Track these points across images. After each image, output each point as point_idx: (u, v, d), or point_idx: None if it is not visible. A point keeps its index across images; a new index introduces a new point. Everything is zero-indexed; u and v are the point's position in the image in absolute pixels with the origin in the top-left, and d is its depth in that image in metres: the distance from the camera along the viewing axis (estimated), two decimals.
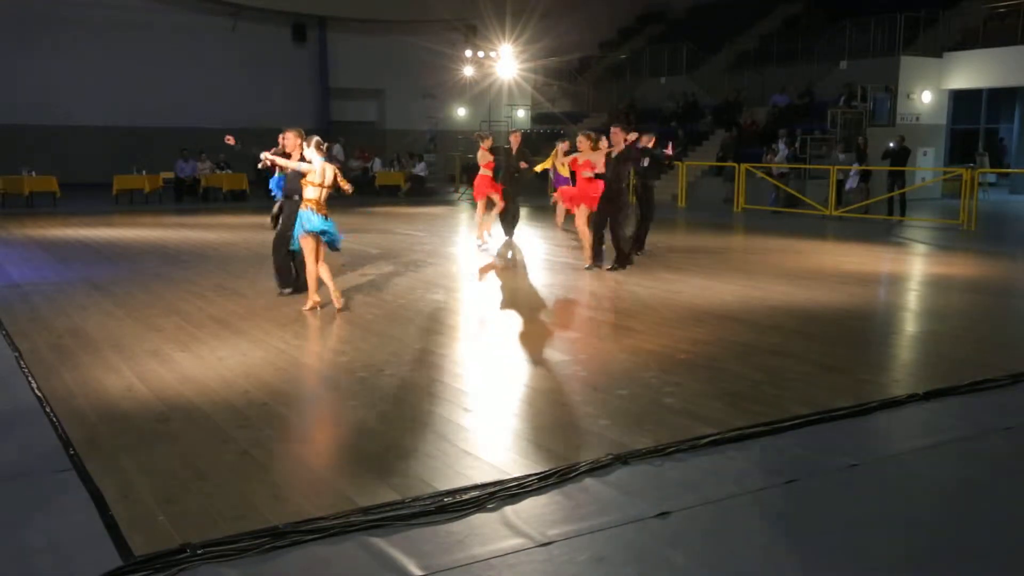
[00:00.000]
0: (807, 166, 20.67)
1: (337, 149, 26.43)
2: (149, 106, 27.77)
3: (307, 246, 7.96)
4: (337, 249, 8.22)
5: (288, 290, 8.87)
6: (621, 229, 10.83)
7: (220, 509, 3.86)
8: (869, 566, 3.48)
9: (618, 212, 10.63)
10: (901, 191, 18.68)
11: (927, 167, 22.41)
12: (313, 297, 8.16)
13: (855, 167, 19.46)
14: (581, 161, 10.67)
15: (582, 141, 10.80)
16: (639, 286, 9.83)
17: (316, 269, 8.07)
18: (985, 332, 7.90)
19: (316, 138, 7.96)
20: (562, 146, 13.11)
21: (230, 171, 22.81)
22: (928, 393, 5.64)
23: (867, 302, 9.25)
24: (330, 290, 8.14)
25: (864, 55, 23.51)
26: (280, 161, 8.34)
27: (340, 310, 8.10)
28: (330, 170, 7.97)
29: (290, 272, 8.92)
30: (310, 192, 7.86)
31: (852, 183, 19.48)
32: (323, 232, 7.88)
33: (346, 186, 8.16)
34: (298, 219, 7.97)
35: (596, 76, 32.36)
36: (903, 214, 18.45)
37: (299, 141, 8.36)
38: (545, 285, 10.09)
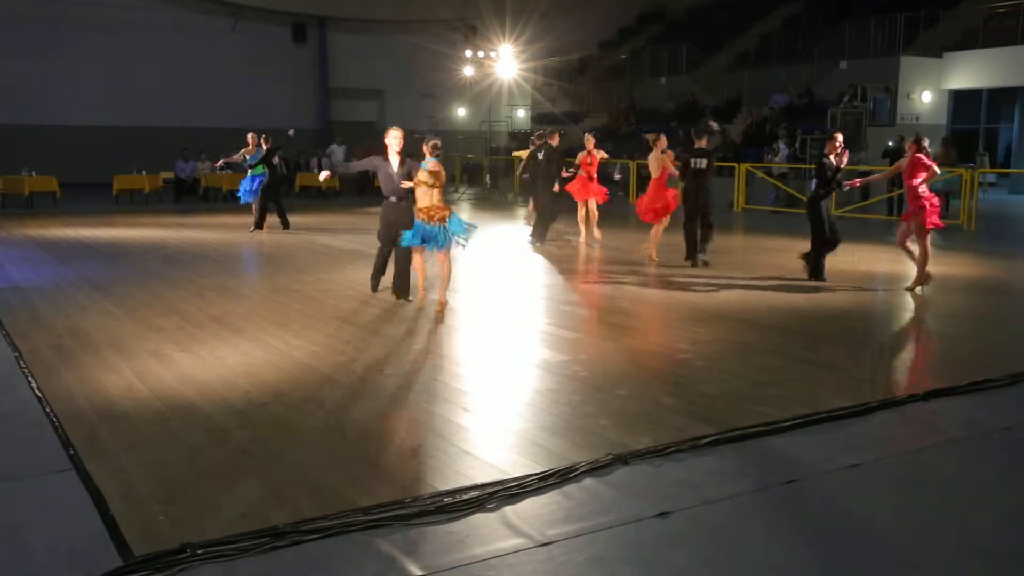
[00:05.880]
0: (807, 166, 20.68)
1: (333, 149, 26.32)
2: (149, 106, 27.76)
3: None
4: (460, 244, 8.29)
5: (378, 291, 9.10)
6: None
7: (220, 509, 3.86)
8: (869, 566, 3.48)
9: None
10: (900, 191, 18.66)
11: None
12: (421, 289, 8.58)
13: None
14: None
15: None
16: (639, 286, 9.83)
17: (421, 263, 8.49)
18: (985, 332, 7.90)
19: (434, 141, 8.38)
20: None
21: (230, 171, 22.78)
22: (928, 393, 5.64)
23: (867, 302, 9.25)
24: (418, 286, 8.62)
25: (864, 55, 23.49)
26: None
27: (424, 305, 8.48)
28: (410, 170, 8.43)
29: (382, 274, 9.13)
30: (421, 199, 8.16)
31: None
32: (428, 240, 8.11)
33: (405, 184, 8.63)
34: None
35: (596, 76, 32.35)
36: (900, 213, 18.44)
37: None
38: (545, 285, 10.09)
